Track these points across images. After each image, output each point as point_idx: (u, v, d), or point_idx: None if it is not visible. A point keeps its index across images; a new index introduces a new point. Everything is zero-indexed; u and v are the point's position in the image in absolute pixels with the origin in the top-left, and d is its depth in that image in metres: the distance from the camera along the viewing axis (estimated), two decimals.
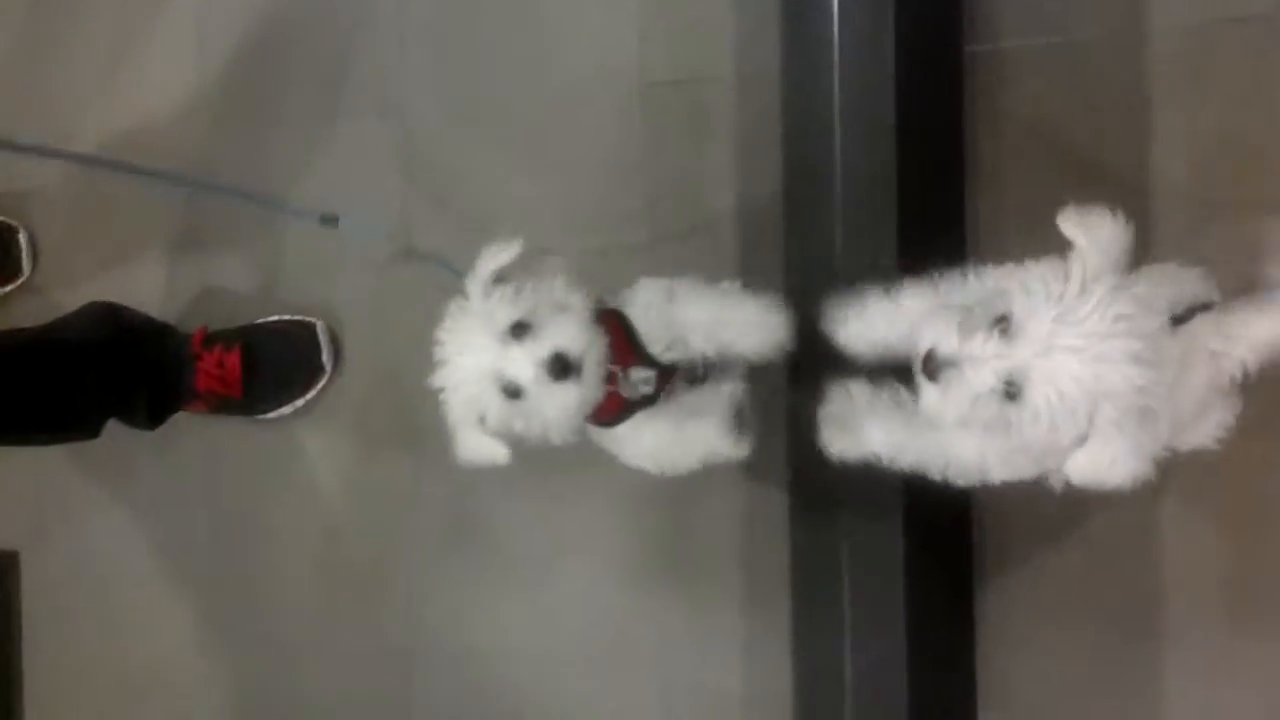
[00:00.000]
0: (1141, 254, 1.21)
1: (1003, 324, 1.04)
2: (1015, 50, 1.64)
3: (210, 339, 1.95)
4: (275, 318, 2.00)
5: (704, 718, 1.81)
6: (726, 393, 1.48)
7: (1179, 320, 1.18)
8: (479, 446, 1.29)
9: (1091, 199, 1.55)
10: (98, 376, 1.80)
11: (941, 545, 1.56)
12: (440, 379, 1.28)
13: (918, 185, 1.42)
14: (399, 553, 1.99)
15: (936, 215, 1.41)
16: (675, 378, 1.42)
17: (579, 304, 1.29)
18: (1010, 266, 1.10)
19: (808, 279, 1.45)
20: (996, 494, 1.56)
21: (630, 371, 1.36)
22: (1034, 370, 1.02)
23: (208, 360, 1.93)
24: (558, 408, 1.25)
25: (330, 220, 1.68)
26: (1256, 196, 1.54)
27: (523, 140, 1.90)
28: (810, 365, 1.41)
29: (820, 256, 1.43)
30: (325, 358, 1.96)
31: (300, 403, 1.99)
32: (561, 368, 1.22)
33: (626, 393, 1.36)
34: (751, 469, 1.70)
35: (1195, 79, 1.58)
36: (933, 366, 1.07)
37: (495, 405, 1.25)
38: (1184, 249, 1.39)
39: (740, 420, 1.47)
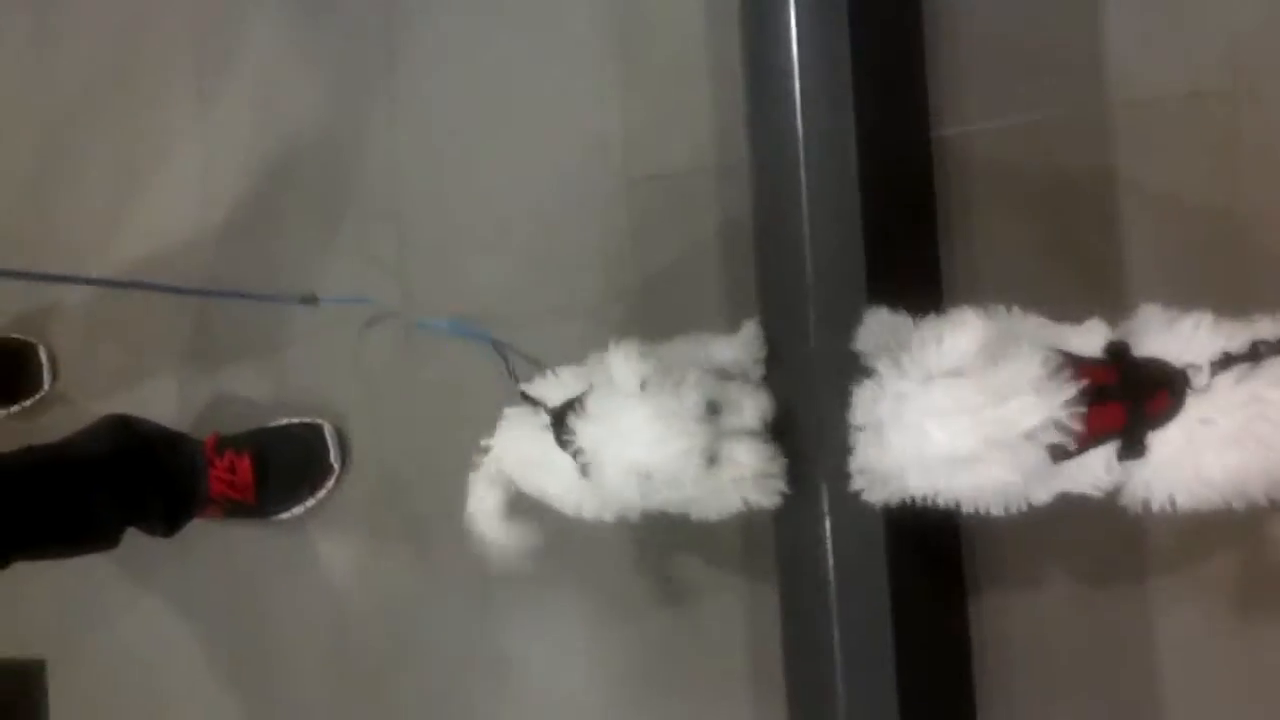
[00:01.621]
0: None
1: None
2: (981, 133, 1.70)
3: (221, 445, 2.01)
4: (284, 421, 2.06)
5: None
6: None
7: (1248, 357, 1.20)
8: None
9: (1060, 271, 1.65)
10: (111, 488, 1.86)
11: (936, 638, 1.60)
12: (644, 463, 1.31)
13: (886, 271, 1.47)
14: (411, 650, 2.03)
15: (907, 299, 1.44)
16: None
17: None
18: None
19: (787, 360, 1.51)
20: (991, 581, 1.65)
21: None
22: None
23: (220, 466, 1.98)
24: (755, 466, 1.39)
25: (310, 299, 1.76)
26: (1222, 267, 1.59)
27: (513, 238, 1.97)
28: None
29: (796, 339, 1.49)
30: (333, 458, 2.02)
31: (311, 502, 2.05)
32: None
33: None
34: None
35: (1154, 152, 1.63)
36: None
37: (691, 476, 1.33)
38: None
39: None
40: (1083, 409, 1.17)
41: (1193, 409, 1.18)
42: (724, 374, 1.48)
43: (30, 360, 2.28)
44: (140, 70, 2.30)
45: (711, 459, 1.34)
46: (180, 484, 1.98)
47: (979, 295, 1.54)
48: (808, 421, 1.45)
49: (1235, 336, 1.20)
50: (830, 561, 1.48)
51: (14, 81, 2.41)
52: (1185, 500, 1.22)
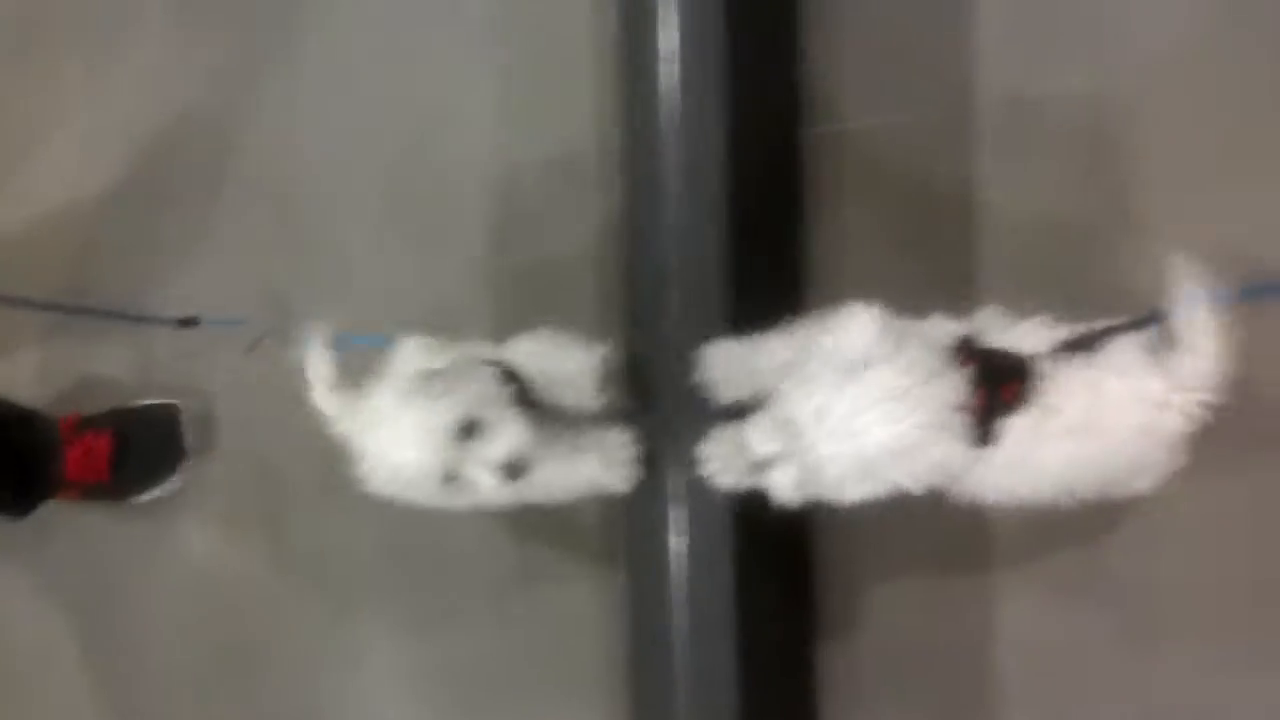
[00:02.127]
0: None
1: (789, 425, 1.19)
2: (853, 131, 1.72)
3: (81, 425, 1.96)
4: (145, 402, 2.01)
5: None
6: (612, 435, 1.55)
7: (1087, 344, 1.25)
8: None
9: (919, 269, 1.68)
10: None
11: (777, 610, 1.61)
12: (380, 467, 1.34)
13: (747, 261, 1.49)
14: (263, 640, 2.01)
15: (768, 291, 1.47)
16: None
17: (496, 388, 1.36)
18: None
19: (646, 343, 1.53)
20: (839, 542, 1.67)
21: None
22: (816, 458, 1.18)
23: (77, 447, 1.93)
24: (500, 496, 1.34)
25: (190, 322, 1.72)
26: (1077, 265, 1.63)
27: (396, 223, 1.97)
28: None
29: (655, 322, 1.50)
30: (189, 441, 1.98)
31: (168, 486, 2.00)
32: (515, 472, 1.32)
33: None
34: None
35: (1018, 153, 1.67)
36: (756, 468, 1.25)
37: (428, 489, 1.33)
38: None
39: (626, 458, 1.55)
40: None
41: (1040, 397, 1.21)
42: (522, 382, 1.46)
43: None
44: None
45: (450, 478, 1.32)
46: (32, 465, 1.92)
47: (838, 290, 1.58)
48: (663, 411, 1.46)
49: (1074, 332, 1.23)
50: (677, 561, 1.51)
51: None
52: (1027, 491, 1.26)
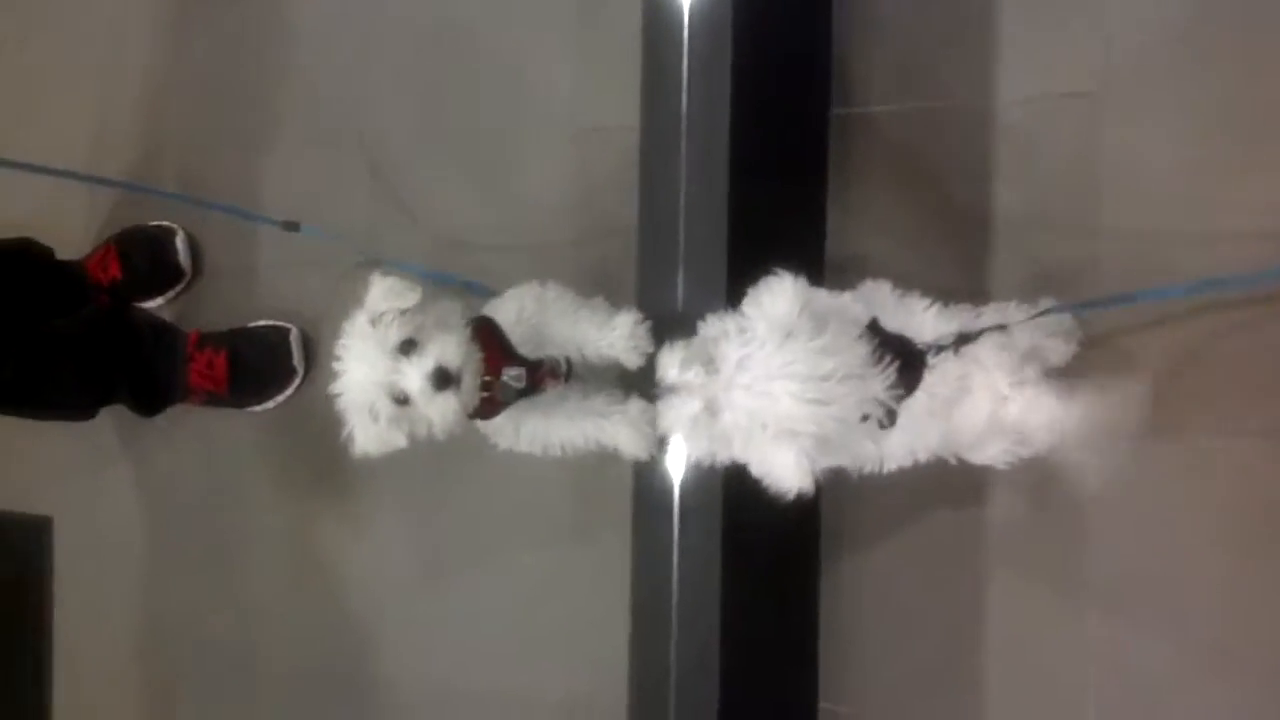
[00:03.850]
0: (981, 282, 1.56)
1: (710, 364, 1.28)
2: (878, 115, 1.84)
3: (202, 341, 2.24)
4: (258, 323, 2.28)
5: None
6: (635, 406, 1.70)
7: (964, 340, 1.39)
8: (376, 438, 1.50)
9: (932, 251, 1.80)
10: (78, 367, 2.09)
11: (770, 538, 1.75)
12: (337, 386, 1.49)
13: (757, 236, 1.63)
14: (362, 534, 2.28)
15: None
16: (545, 372, 1.65)
17: (456, 318, 1.53)
18: (733, 315, 1.31)
19: (658, 309, 1.67)
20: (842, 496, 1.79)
21: (503, 372, 1.59)
22: (722, 400, 1.26)
23: (199, 360, 2.22)
24: (440, 412, 1.48)
25: (292, 226, 1.95)
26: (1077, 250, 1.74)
27: (471, 171, 2.15)
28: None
29: (667, 292, 1.66)
30: (296, 361, 2.25)
31: (279, 399, 2.28)
32: (443, 379, 1.45)
33: (501, 395, 1.60)
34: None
35: (1031, 147, 1.77)
36: (659, 391, 1.32)
37: (386, 410, 1.47)
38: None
39: (651, 431, 1.69)
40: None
41: (925, 381, 1.35)
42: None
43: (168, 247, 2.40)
44: None
45: (397, 398, 1.45)
46: (160, 373, 2.21)
47: (854, 272, 1.71)
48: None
49: (963, 319, 1.37)
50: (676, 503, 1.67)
51: None
52: (903, 463, 1.41)
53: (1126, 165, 1.69)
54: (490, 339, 1.59)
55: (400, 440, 1.50)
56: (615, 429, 1.69)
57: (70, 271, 2.30)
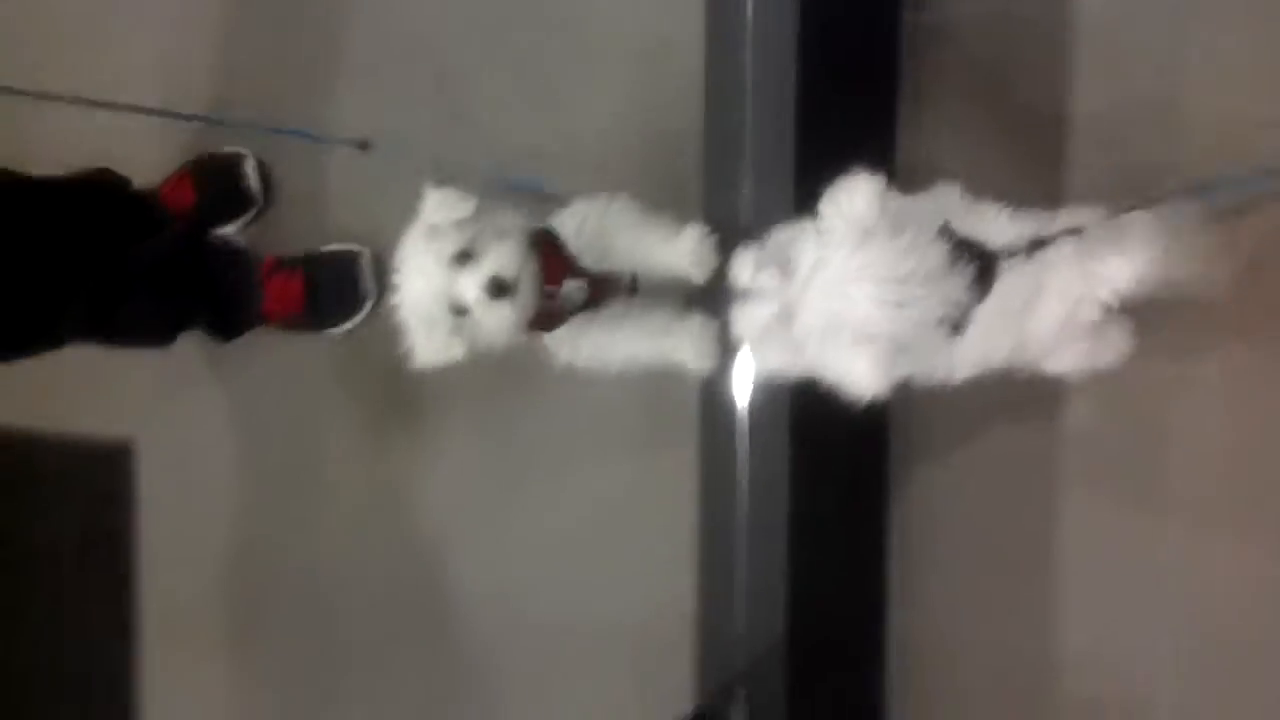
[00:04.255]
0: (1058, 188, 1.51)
1: (786, 267, 1.25)
2: (955, 17, 1.80)
3: (276, 266, 2.26)
4: (330, 247, 2.29)
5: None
6: (699, 321, 1.71)
7: (1039, 245, 1.35)
8: (436, 349, 1.51)
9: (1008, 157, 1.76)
10: (156, 295, 2.11)
11: (839, 455, 1.74)
12: (396, 299, 1.51)
13: (826, 147, 1.60)
14: (433, 457, 2.30)
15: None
16: (608, 286, 1.65)
17: (515, 229, 1.52)
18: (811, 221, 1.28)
19: (723, 222, 1.66)
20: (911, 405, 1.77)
21: (563, 283, 1.59)
22: (798, 304, 1.24)
23: (274, 285, 2.24)
24: (497, 322, 1.48)
25: (364, 146, 1.95)
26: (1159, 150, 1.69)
27: (537, 88, 2.14)
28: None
29: (733, 205, 1.64)
30: (369, 284, 2.26)
31: (354, 322, 2.29)
32: (499, 288, 1.46)
33: (559, 308, 1.60)
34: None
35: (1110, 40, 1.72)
36: (732, 295, 1.30)
37: (445, 321, 1.48)
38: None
39: (714, 346, 1.70)
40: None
41: (997, 287, 1.31)
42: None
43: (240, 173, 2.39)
44: None
45: (456, 309, 1.46)
46: (235, 299, 2.23)
47: (929, 176, 1.68)
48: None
49: (1037, 223, 1.33)
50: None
51: None
52: (974, 370, 1.38)
53: (1209, 62, 1.65)
54: (551, 250, 1.60)
55: (458, 351, 1.50)
56: (678, 343, 1.69)
57: (145, 200, 2.32)
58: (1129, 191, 1.57)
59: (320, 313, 2.29)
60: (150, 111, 2.08)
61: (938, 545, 1.86)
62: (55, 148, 2.18)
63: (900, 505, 1.84)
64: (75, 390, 2.60)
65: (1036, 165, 1.75)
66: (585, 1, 2.10)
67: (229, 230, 2.39)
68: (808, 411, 1.58)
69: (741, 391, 1.69)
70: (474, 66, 2.21)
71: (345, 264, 2.27)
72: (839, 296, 1.21)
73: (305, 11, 2.38)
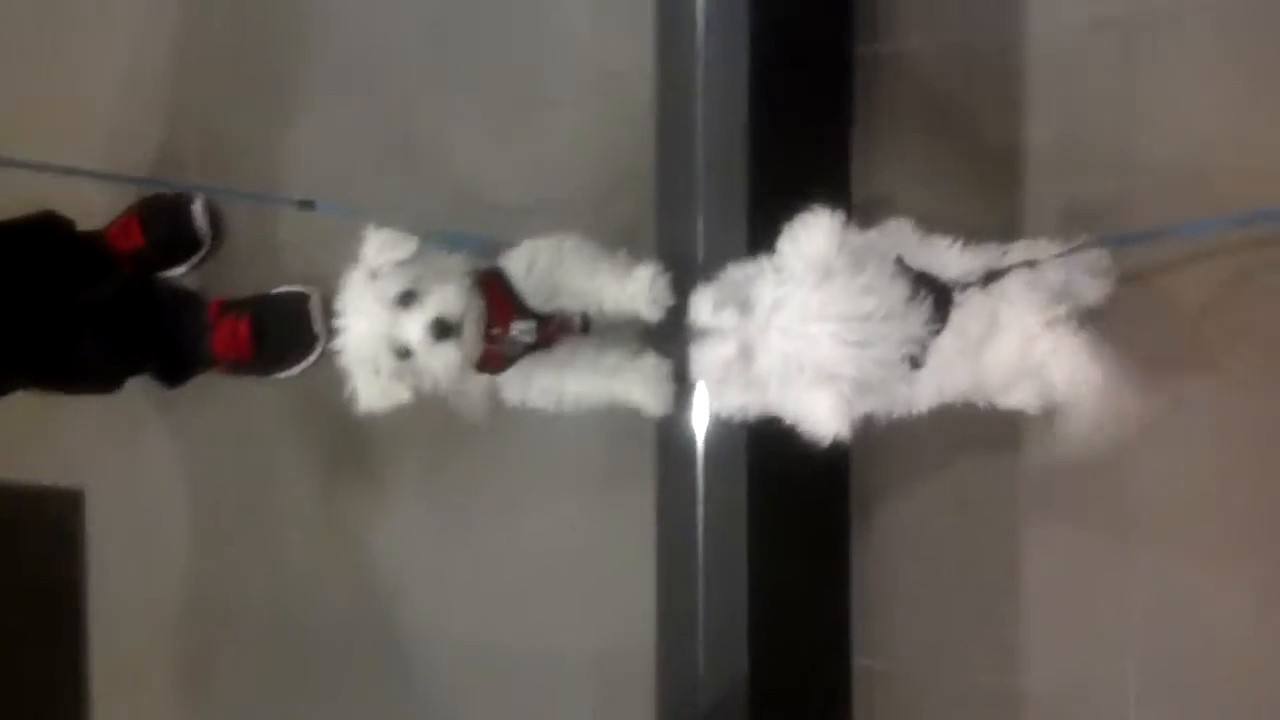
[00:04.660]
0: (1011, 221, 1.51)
1: (744, 306, 1.23)
2: (907, 51, 1.80)
3: (224, 309, 2.22)
4: (279, 290, 2.25)
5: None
6: (652, 361, 1.69)
7: (992, 278, 1.35)
8: (380, 392, 1.48)
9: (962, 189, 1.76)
10: (105, 339, 2.07)
11: (798, 492, 1.71)
12: (338, 343, 1.48)
13: (777, 179, 1.59)
14: (387, 496, 2.26)
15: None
16: (558, 326, 1.63)
17: (458, 270, 1.51)
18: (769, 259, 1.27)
19: (677, 260, 1.64)
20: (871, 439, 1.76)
21: (511, 325, 1.57)
22: (758, 343, 1.22)
23: (222, 328, 2.20)
24: (442, 364, 1.46)
25: (308, 204, 1.92)
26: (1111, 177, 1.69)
27: (487, 123, 2.12)
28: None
29: (687, 242, 1.62)
30: (318, 328, 2.22)
31: (302, 366, 2.26)
32: (442, 330, 1.43)
33: (506, 350, 1.58)
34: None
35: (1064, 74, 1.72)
36: (689, 335, 1.28)
37: (388, 364, 1.46)
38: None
39: (667, 387, 1.68)
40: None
41: (953, 320, 1.30)
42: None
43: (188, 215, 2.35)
44: None
45: (399, 352, 1.44)
46: (184, 342, 2.20)
47: (883, 210, 1.67)
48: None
49: (989, 256, 1.32)
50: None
51: None
52: (931, 404, 1.36)
53: (1161, 98, 1.65)
54: (497, 291, 1.58)
55: (403, 394, 1.48)
56: (630, 385, 1.67)
57: (92, 243, 2.28)
58: (1081, 226, 1.59)
59: (268, 357, 2.25)
60: (93, 174, 2.05)
61: (900, 581, 1.84)
62: None
63: (862, 541, 1.82)
64: (23, 438, 2.56)
65: (990, 198, 1.74)
66: (535, 37, 2.08)
67: (178, 272, 2.35)
68: (766, 449, 1.55)
69: (699, 430, 1.66)
70: (422, 104, 2.19)
71: (294, 307, 2.24)
72: (800, 336, 1.19)
73: (252, 52, 2.36)
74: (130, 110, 2.46)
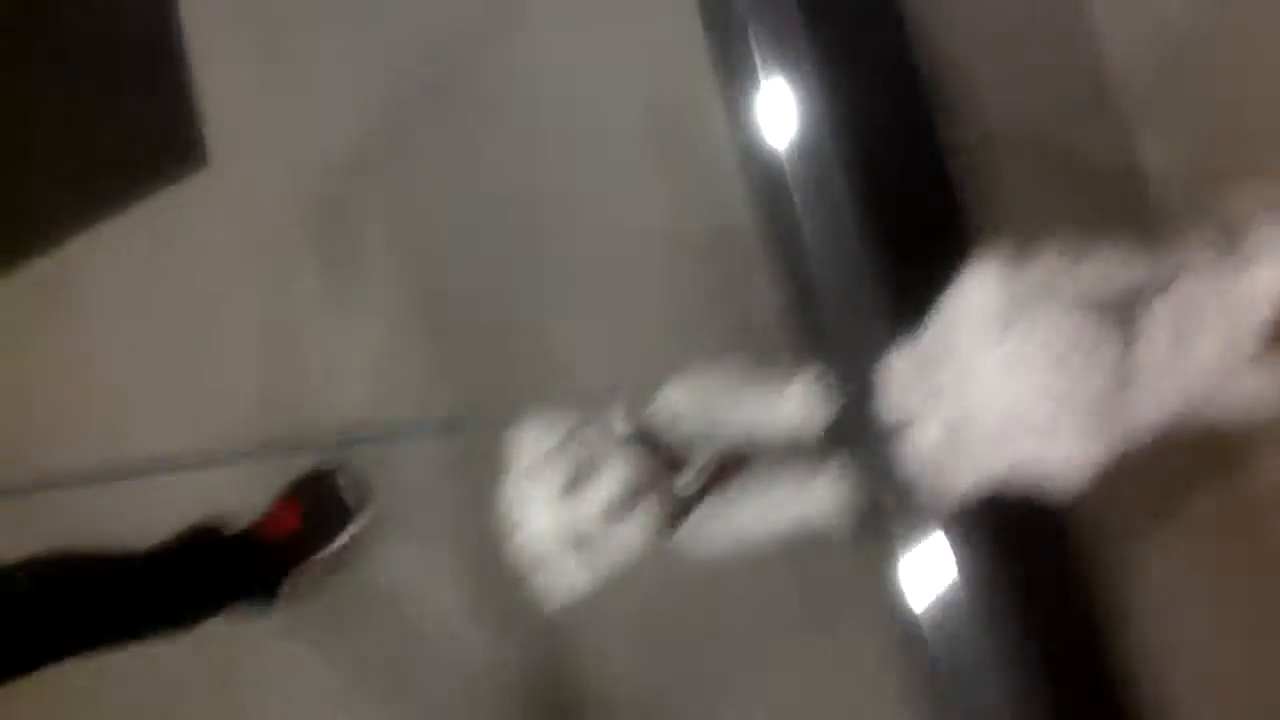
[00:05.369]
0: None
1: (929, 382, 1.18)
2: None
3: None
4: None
5: None
6: (833, 472, 1.59)
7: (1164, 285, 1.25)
8: (568, 584, 1.44)
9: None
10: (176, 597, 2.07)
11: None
12: (515, 545, 1.44)
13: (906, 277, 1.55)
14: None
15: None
16: (718, 468, 1.55)
17: (612, 442, 1.47)
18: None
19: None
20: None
21: (676, 479, 1.51)
22: (960, 413, 1.16)
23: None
24: (625, 542, 1.43)
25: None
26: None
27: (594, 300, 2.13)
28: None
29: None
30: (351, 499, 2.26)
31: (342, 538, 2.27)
32: (617, 508, 1.40)
33: (676, 508, 1.51)
34: None
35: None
36: (882, 430, 1.26)
37: (570, 554, 1.42)
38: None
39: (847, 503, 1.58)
40: None
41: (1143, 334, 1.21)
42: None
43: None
44: None
45: (580, 541, 1.40)
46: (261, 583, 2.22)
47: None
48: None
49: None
50: None
51: None
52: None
53: None
54: (652, 451, 1.52)
55: (588, 581, 1.44)
56: (812, 505, 1.57)
57: (248, 540, 2.28)
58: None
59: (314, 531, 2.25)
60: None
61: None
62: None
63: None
64: None
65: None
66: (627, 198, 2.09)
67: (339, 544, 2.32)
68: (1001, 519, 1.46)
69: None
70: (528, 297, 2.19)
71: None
72: (1002, 392, 1.13)
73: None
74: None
